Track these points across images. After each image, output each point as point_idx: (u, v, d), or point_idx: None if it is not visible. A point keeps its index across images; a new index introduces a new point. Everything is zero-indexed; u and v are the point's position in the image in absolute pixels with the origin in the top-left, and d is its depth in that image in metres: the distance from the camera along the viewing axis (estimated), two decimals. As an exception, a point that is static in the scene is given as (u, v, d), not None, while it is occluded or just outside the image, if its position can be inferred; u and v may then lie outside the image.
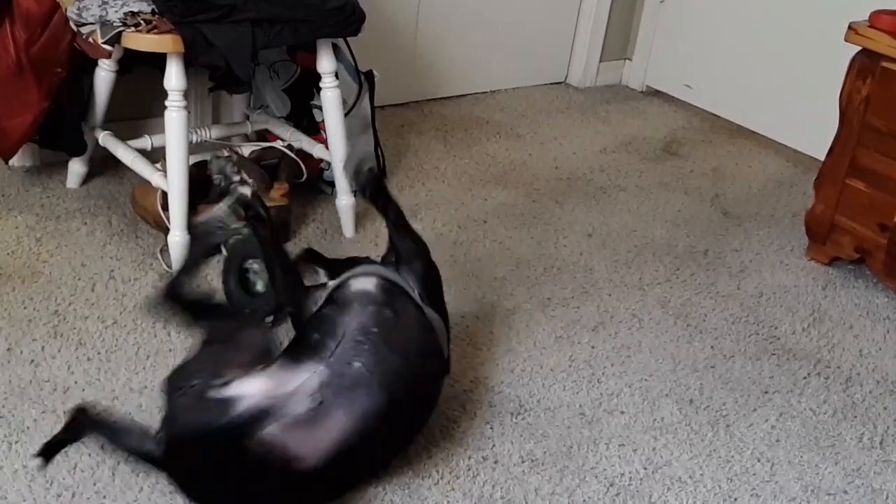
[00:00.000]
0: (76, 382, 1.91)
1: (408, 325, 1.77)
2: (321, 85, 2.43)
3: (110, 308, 2.15)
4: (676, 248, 2.74)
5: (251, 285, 2.14)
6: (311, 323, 1.77)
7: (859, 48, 2.50)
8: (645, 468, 1.88)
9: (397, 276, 1.84)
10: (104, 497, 1.66)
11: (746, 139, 3.56)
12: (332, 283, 1.86)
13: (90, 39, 2.18)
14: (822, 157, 2.69)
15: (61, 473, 1.69)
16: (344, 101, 2.52)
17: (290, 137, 2.61)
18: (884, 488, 1.90)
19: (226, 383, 1.58)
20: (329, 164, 2.59)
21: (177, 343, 2.05)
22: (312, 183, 2.71)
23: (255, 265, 2.13)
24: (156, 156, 2.40)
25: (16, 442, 1.75)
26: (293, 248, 2.47)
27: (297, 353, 1.68)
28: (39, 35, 2.29)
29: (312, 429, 1.57)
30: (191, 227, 2.20)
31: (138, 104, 2.73)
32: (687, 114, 3.76)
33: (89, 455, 1.73)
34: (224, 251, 2.21)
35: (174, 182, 2.23)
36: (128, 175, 2.59)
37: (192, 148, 2.34)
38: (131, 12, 2.14)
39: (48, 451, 1.67)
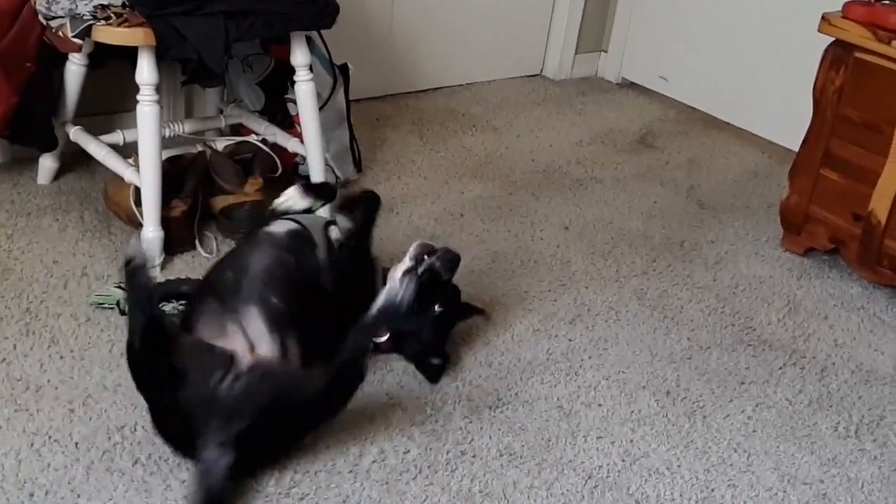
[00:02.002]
0: (49, 381, 1.89)
1: (304, 268, 1.88)
2: (295, 78, 2.41)
3: (83, 305, 2.12)
4: (652, 239, 2.74)
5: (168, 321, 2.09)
6: (226, 259, 1.93)
7: (832, 39, 2.51)
8: (623, 460, 1.88)
9: (318, 228, 1.95)
10: (78, 496, 1.64)
11: (721, 131, 3.57)
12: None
13: (60, 33, 2.15)
14: (796, 148, 2.70)
15: (34, 472, 1.67)
16: (319, 95, 2.50)
17: (265, 132, 2.59)
18: (859, 477, 1.92)
19: None
20: (304, 158, 2.57)
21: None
22: (287, 177, 2.69)
23: (167, 306, 2.10)
24: (128, 151, 2.37)
25: (-13, 442, 1.73)
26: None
27: (224, 297, 1.77)
28: (8, 29, 2.25)
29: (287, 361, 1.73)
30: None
31: (110, 99, 2.70)
32: (662, 106, 3.77)
33: (63, 454, 1.71)
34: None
35: (147, 177, 2.21)
36: (100, 170, 2.56)
37: (165, 143, 2.32)
38: (101, 5, 2.11)
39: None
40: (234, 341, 1.71)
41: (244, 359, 1.67)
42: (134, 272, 1.67)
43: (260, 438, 1.65)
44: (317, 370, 1.70)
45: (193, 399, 1.61)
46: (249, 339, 1.71)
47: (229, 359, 1.65)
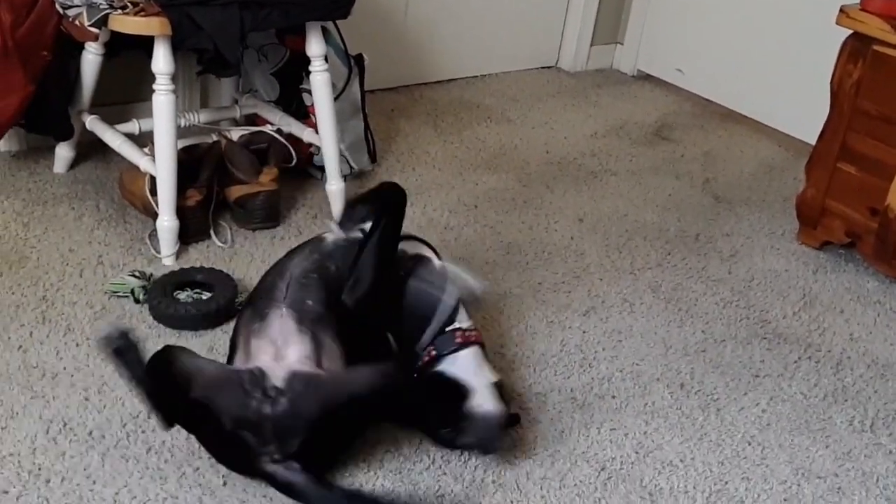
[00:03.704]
0: (65, 368, 1.90)
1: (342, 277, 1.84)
2: (311, 68, 2.41)
3: (98, 294, 2.13)
4: (667, 232, 2.73)
5: (183, 309, 2.07)
6: (274, 265, 1.90)
7: (850, 32, 2.49)
8: (636, 452, 1.88)
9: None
10: (94, 483, 1.65)
11: (738, 123, 3.55)
12: None
13: (76, 22, 2.16)
14: (813, 142, 2.68)
15: (49, 459, 1.68)
16: (334, 85, 2.50)
17: (280, 122, 2.59)
18: (874, 471, 1.91)
19: None
20: (319, 148, 2.58)
21: (166, 330, 2.04)
22: (302, 167, 2.69)
23: (181, 294, 2.11)
24: (144, 140, 2.38)
25: (3, 428, 1.74)
26: (282, 233, 2.46)
27: (257, 303, 1.78)
28: (25, 17, 2.26)
29: (323, 358, 1.69)
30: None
31: (126, 88, 2.71)
32: (678, 98, 3.75)
33: (78, 441, 1.72)
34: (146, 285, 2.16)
35: (162, 167, 2.22)
36: (115, 160, 2.57)
37: (181, 132, 2.33)
38: (118, -6, 2.12)
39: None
40: (259, 353, 1.68)
41: (274, 370, 1.62)
42: (118, 352, 1.63)
43: (318, 446, 1.63)
44: (361, 368, 1.68)
45: (237, 424, 1.58)
46: (276, 345, 1.68)
47: (258, 375, 1.61)
